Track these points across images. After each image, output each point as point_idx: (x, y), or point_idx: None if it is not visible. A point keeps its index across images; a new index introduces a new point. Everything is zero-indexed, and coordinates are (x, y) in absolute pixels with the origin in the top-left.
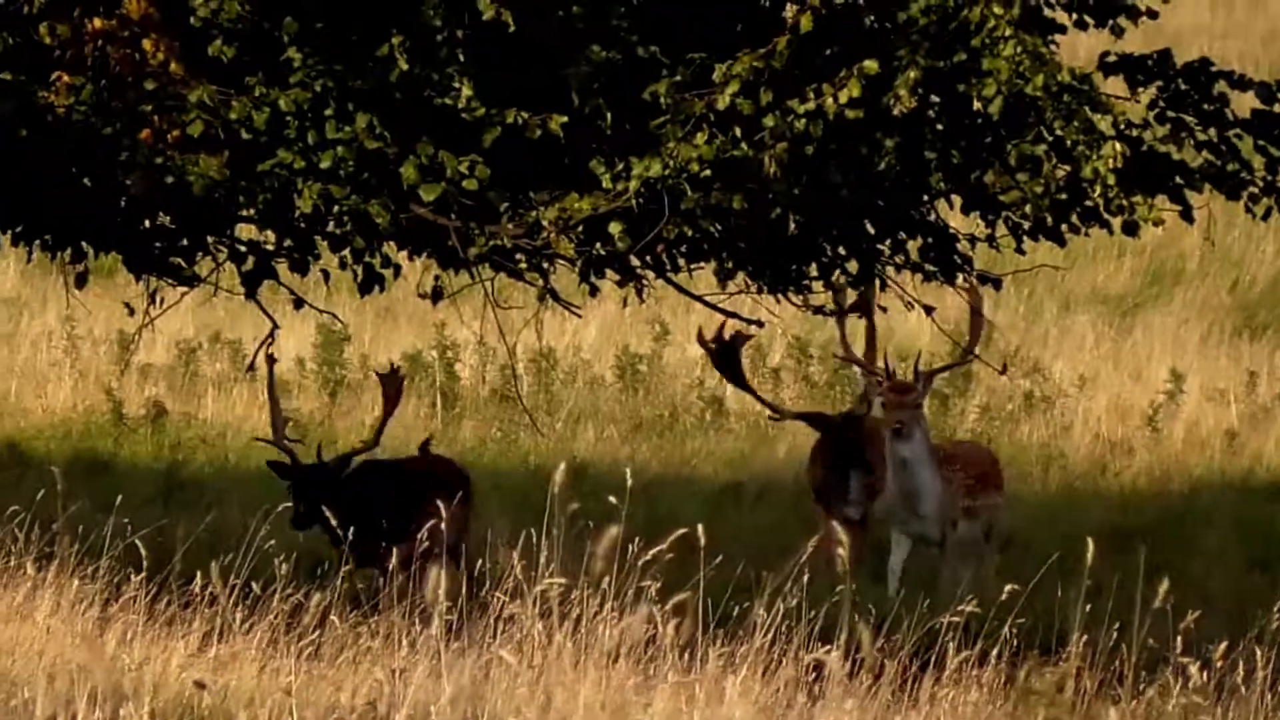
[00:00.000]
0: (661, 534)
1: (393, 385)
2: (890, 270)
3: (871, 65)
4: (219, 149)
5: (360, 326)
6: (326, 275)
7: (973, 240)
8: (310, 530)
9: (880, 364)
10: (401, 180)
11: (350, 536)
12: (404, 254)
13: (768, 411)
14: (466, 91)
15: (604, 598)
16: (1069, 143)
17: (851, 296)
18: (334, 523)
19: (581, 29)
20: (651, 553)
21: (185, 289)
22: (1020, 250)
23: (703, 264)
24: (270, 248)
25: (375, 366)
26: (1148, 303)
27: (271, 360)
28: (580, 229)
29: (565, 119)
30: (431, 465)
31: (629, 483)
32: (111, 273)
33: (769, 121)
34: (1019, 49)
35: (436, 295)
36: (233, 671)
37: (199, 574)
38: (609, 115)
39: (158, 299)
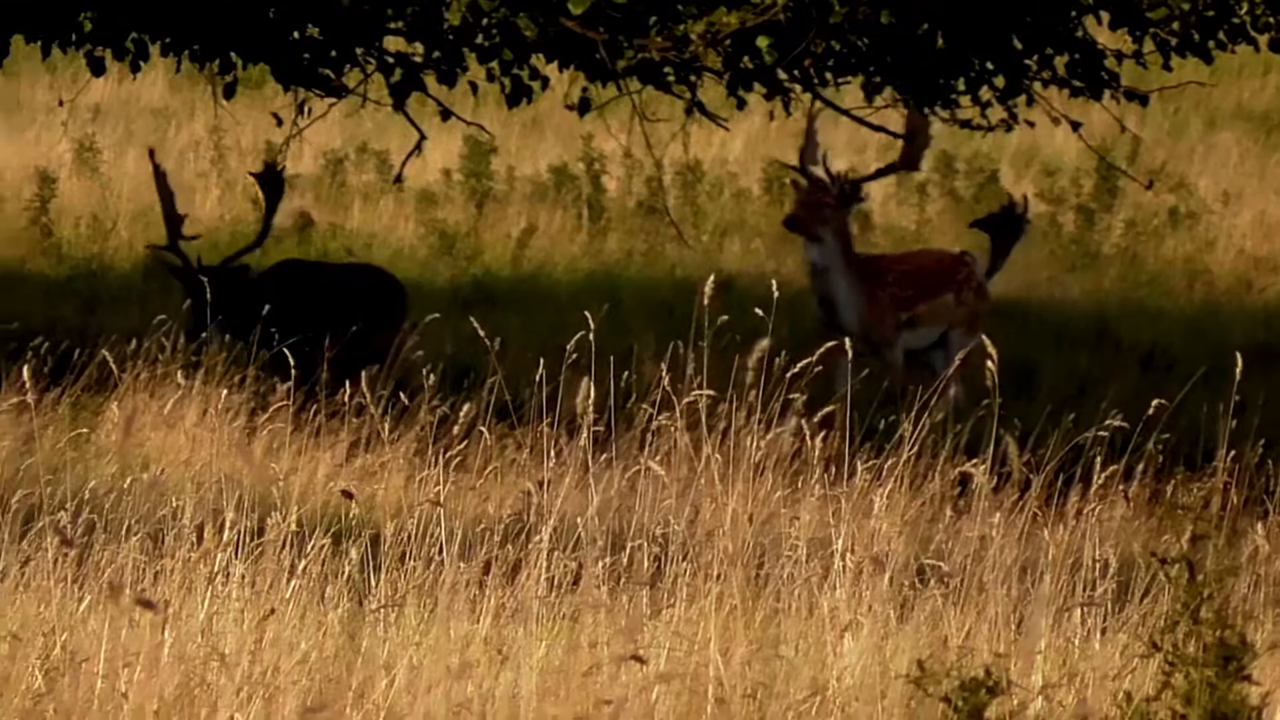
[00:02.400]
0: (808, 347)
1: (270, 183)
2: (1037, 85)
3: None
4: None
5: (507, 139)
6: (474, 87)
7: (1119, 56)
8: (204, 340)
9: (821, 172)
10: None
11: (269, 339)
12: (552, 66)
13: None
14: None
15: (751, 410)
16: None
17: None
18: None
19: None
20: (799, 365)
21: (333, 100)
22: (1167, 67)
23: (850, 78)
24: (418, 59)
25: (251, 171)
26: None
27: (154, 156)
28: (728, 42)
29: None
30: (360, 271)
31: (775, 295)
32: (259, 83)
33: None
34: None
35: (584, 107)
36: (379, 482)
37: (346, 383)
38: None
39: (305, 110)
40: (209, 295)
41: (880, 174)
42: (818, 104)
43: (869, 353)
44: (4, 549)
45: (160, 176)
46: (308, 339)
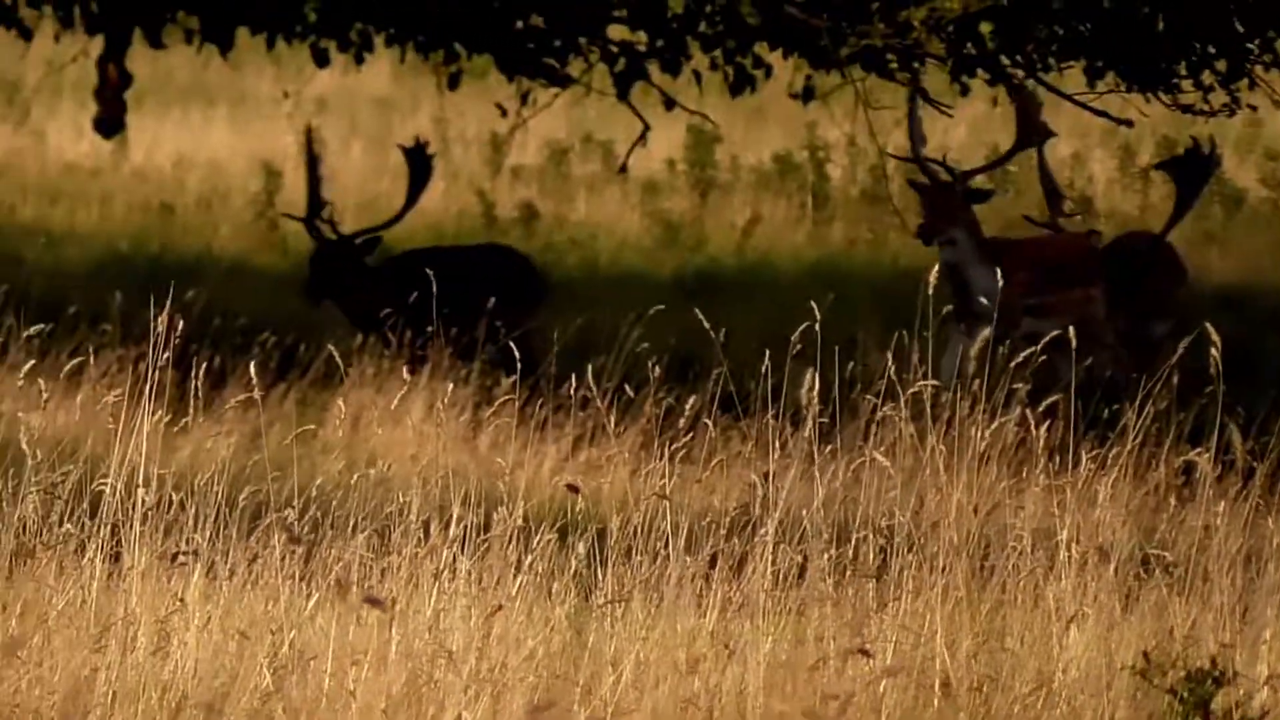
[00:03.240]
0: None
1: (419, 162)
2: (1259, 69)
3: None
4: None
5: (730, 127)
6: (698, 76)
7: None
8: (320, 304)
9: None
10: None
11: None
12: (775, 54)
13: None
14: None
15: (975, 400)
16: None
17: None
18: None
19: None
20: (1023, 355)
21: (557, 90)
22: None
23: (1072, 63)
24: (642, 48)
25: (402, 141)
26: None
27: (310, 141)
28: (951, 28)
29: None
30: (490, 252)
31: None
32: (484, 73)
33: None
34: None
35: (807, 95)
36: (605, 475)
37: (572, 377)
38: None
39: (530, 100)
40: (325, 268)
41: (996, 164)
42: (911, 88)
43: (1002, 338)
44: (232, 546)
45: (312, 157)
46: (445, 324)
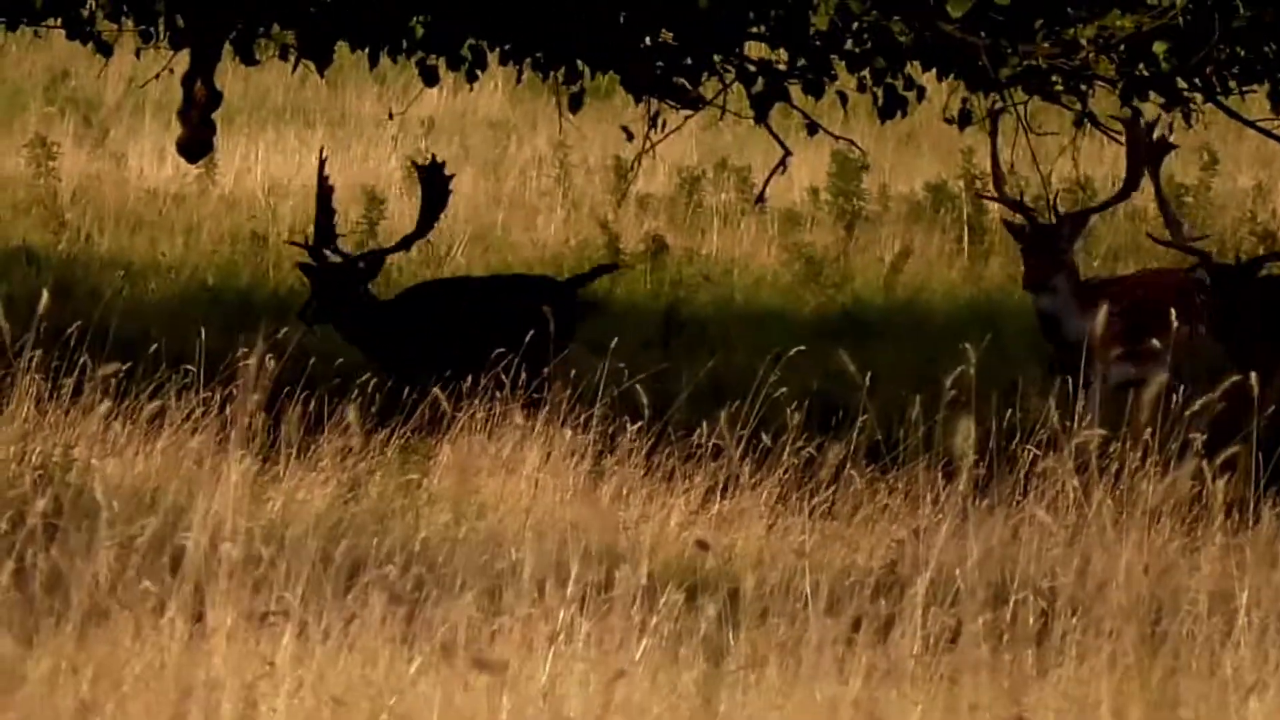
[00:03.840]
0: (1208, 382)
1: (435, 181)
2: None
3: None
4: None
5: (879, 154)
6: (843, 98)
7: None
8: (318, 326)
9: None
10: None
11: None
12: (929, 74)
13: None
14: None
15: (1146, 451)
16: None
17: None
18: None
19: None
20: (1199, 403)
21: (689, 112)
22: None
23: (1256, 86)
24: (782, 67)
25: (417, 159)
26: None
27: (323, 163)
28: (1122, 48)
29: None
30: (518, 281)
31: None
32: (608, 94)
33: None
34: None
35: (964, 120)
36: (738, 530)
37: (702, 423)
38: None
39: (659, 123)
40: (325, 291)
41: (1106, 205)
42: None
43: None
44: (326, 605)
45: (323, 180)
46: (467, 362)
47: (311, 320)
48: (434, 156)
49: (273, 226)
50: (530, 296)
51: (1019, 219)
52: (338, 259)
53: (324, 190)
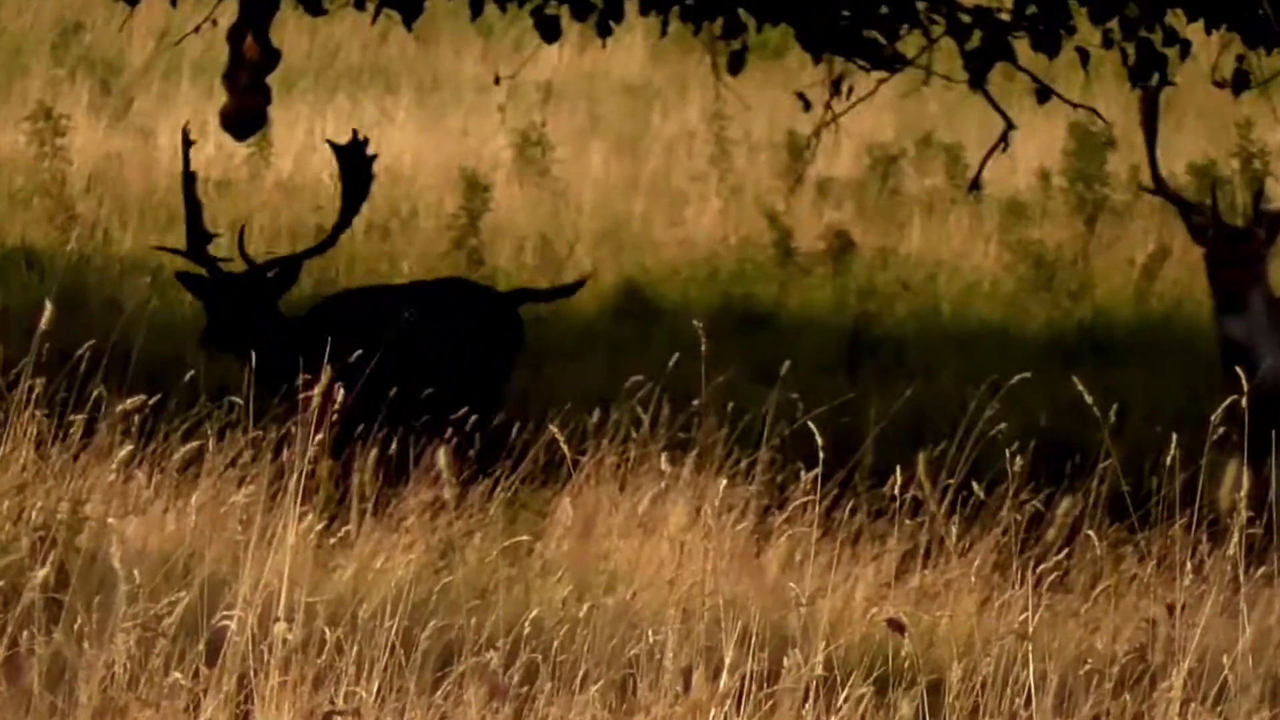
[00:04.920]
0: None
1: (356, 164)
2: None
3: None
4: None
5: (1129, 127)
6: (1084, 56)
7: None
8: (223, 353)
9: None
10: None
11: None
12: (1195, 26)
13: None
14: None
15: None
16: None
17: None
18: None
19: None
20: None
21: (883, 75)
22: None
23: None
24: (1005, 18)
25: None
26: None
27: (188, 141)
28: None
29: None
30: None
31: None
32: (779, 52)
33: None
34: None
35: (1239, 83)
36: (943, 607)
37: (897, 470)
38: None
39: (843, 89)
40: (229, 310)
41: None
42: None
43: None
44: (409, 702)
45: (187, 163)
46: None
47: (215, 347)
48: (355, 134)
49: None
50: (461, 308)
51: (1201, 218)
52: (240, 267)
53: (190, 180)
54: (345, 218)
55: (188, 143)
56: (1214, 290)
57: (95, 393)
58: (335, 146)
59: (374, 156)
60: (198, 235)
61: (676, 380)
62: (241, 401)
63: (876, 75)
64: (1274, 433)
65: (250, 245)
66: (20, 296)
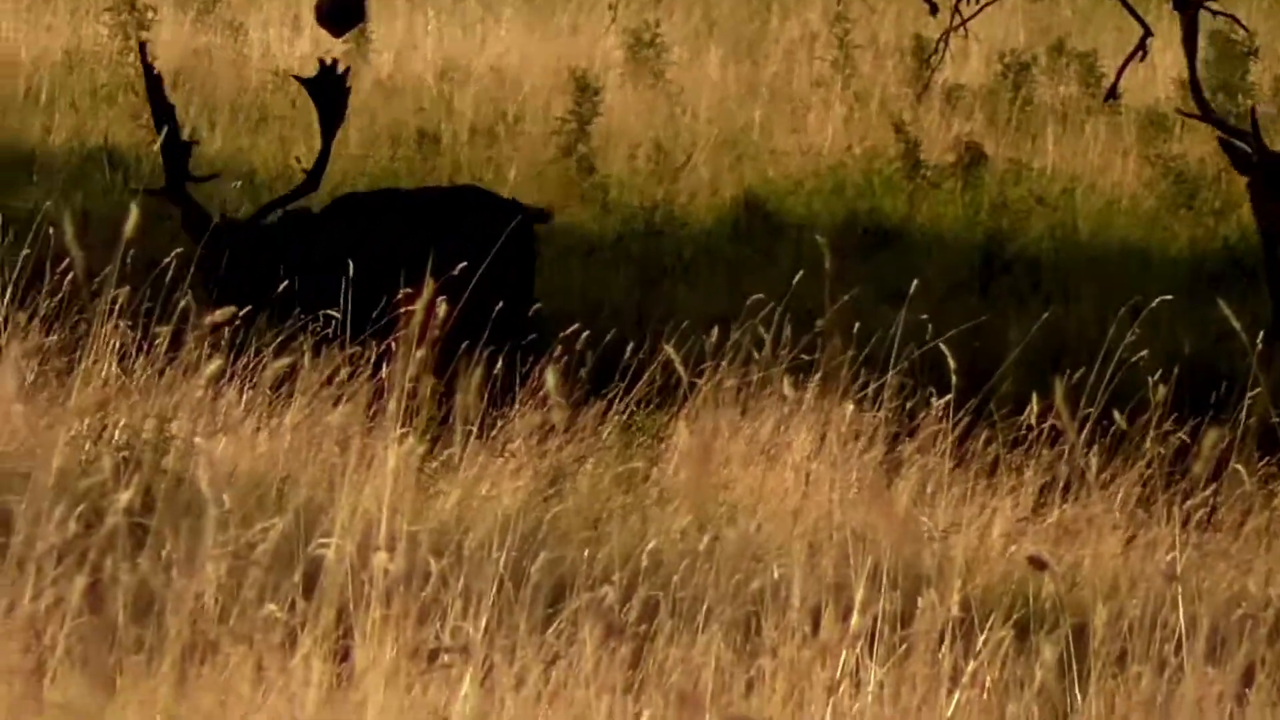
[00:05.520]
0: None
1: (330, 91)
2: None
3: None
4: None
5: (1272, 35)
6: None
7: None
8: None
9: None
10: None
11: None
12: None
13: None
14: None
15: None
16: None
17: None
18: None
19: None
20: None
21: None
22: None
23: None
24: None
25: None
26: None
27: (146, 52)
28: None
29: None
30: (460, 196)
31: None
32: None
33: None
34: None
35: None
36: (1084, 544)
37: (1033, 398)
38: None
39: None
40: (229, 258)
41: None
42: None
43: None
44: (519, 640)
45: (153, 81)
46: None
47: (216, 299)
48: (324, 61)
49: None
50: (476, 215)
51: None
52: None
53: (156, 93)
54: (323, 153)
55: (150, 68)
56: (1259, 222)
57: (182, 303)
58: (303, 81)
59: (348, 85)
60: (176, 169)
61: (799, 299)
62: (338, 315)
63: None
64: None
65: (347, 149)
66: (102, 200)
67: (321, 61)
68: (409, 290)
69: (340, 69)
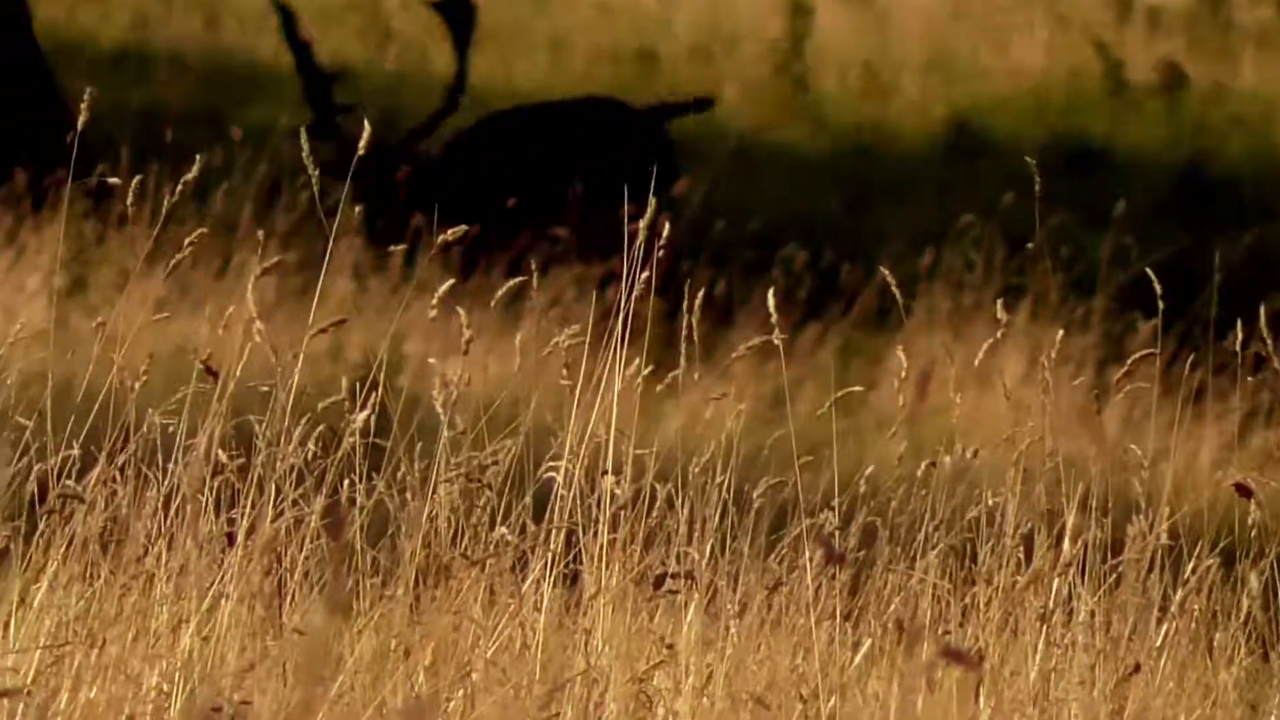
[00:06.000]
0: None
1: (460, 15)
2: None
3: None
4: None
5: None
6: None
7: None
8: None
9: None
10: None
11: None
12: None
13: None
14: None
15: None
16: None
17: None
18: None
19: None
20: None
21: None
22: None
23: None
24: None
25: None
26: None
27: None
28: None
29: None
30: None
31: None
32: None
33: None
34: None
35: None
36: None
37: (1238, 323)
38: None
39: None
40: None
41: None
42: None
43: None
44: (743, 566)
45: (289, 20)
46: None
47: (376, 240)
48: None
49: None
50: (604, 127)
51: None
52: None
53: (292, 33)
54: (459, 75)
55: (287, 18)
56: None
57: (415, 223)
58: (435, 5)
59: (474, 8)
60: (325, 110)
61: (1007, 221)
62: (566, 232)
63: None
64: None
65: (568, 68)
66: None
67: None
68: (631, 208)
69: None
